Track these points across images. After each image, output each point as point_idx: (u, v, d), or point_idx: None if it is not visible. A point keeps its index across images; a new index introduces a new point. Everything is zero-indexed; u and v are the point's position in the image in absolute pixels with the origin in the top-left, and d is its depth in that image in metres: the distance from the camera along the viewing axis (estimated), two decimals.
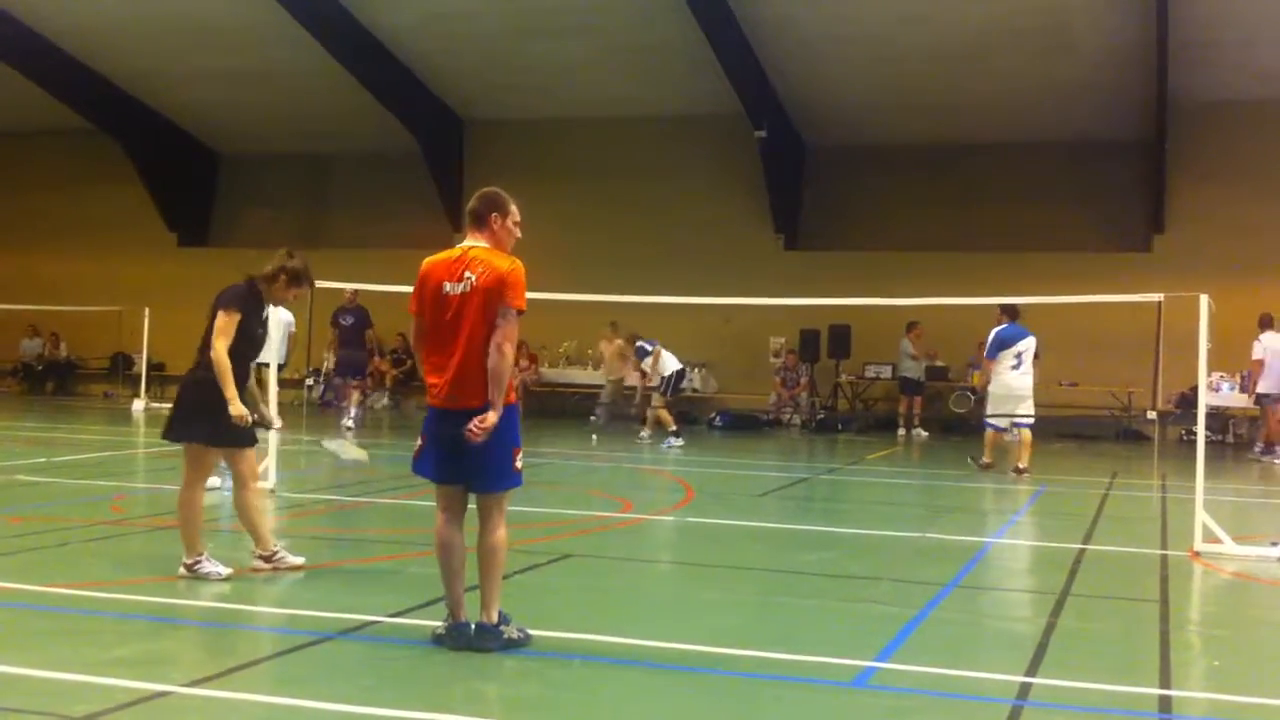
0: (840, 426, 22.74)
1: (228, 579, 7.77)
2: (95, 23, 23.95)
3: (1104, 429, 21.74)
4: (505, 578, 6.91)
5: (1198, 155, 22.26)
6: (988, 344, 15.44)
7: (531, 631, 6.46)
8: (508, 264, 6.23)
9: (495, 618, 6.28)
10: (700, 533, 10.60)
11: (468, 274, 6.19)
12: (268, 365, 10.85)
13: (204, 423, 7.86)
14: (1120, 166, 23.20)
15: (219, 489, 11.60)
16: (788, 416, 23.62)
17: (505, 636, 6.28)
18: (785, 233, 24.64)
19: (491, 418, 6.07)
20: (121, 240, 27.36)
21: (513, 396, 6.25)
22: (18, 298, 25.82)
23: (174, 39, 23.98)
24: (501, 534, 6.31)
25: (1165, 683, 6.11)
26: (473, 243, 6.34)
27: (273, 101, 26.01)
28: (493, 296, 6.13)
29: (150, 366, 24.46)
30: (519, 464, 6.34)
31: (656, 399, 19.39)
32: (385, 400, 25.94)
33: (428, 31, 23.37)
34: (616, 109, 24.92)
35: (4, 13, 23.59)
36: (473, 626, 6.26)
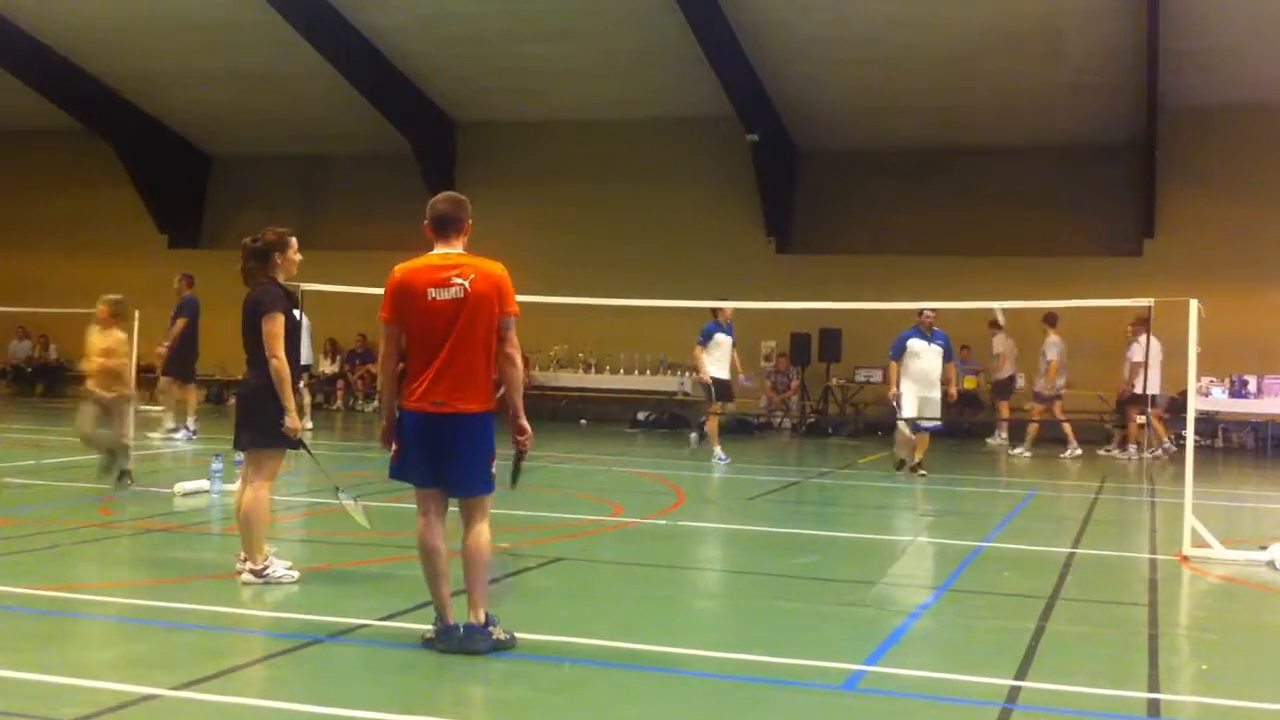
0: (831, 430, 22.76)
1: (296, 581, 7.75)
2: (86, 24, 23.92)
3: (1094, 433, 21.75)
4: (495, 581, 6.93)
5: (1188, 159, 22.31)
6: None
7: (522, 635, 6.45)
8: (499, 269, 6.28)
9: (483, 618, 6.27)
10: (691, 536, 10.60)
11: (458, 279, 6.17)
12: (307, 369, 10.77)
13: (249, 430, 7.78)
14: (1111, 170, 23.24)
15: (207, 492, 11.62)
16: (778, 420, 23.62)
17: (494, 637, 6.26)
18: (777, 236, 24.66)
19: (524, 422, 6.31)
20: (112, 242, 27.31)
21: (492, 404, 6.27)
22: (7, 299, 25.67)
23: (166, 40, 23.96)
24: (485, 535, 6.31)
25: (1154, 687, 6.12)
26: (448, 249, 6.32)
27: (265, 103, 25.99)
28: (488, 302, 6.17)
29: (140, 369, 24.36)
30: (493, 470, 6.31)
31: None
32: (376, 403, 25.88)
33: (420, 33, 23.37)
34: (608, 112, 24.93)
35: None
36: (461, 628, 6.25)
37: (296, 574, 7.80)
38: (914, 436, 15.20)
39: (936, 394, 15.23)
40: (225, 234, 27.60)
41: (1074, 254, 22.74)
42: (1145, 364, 16.73)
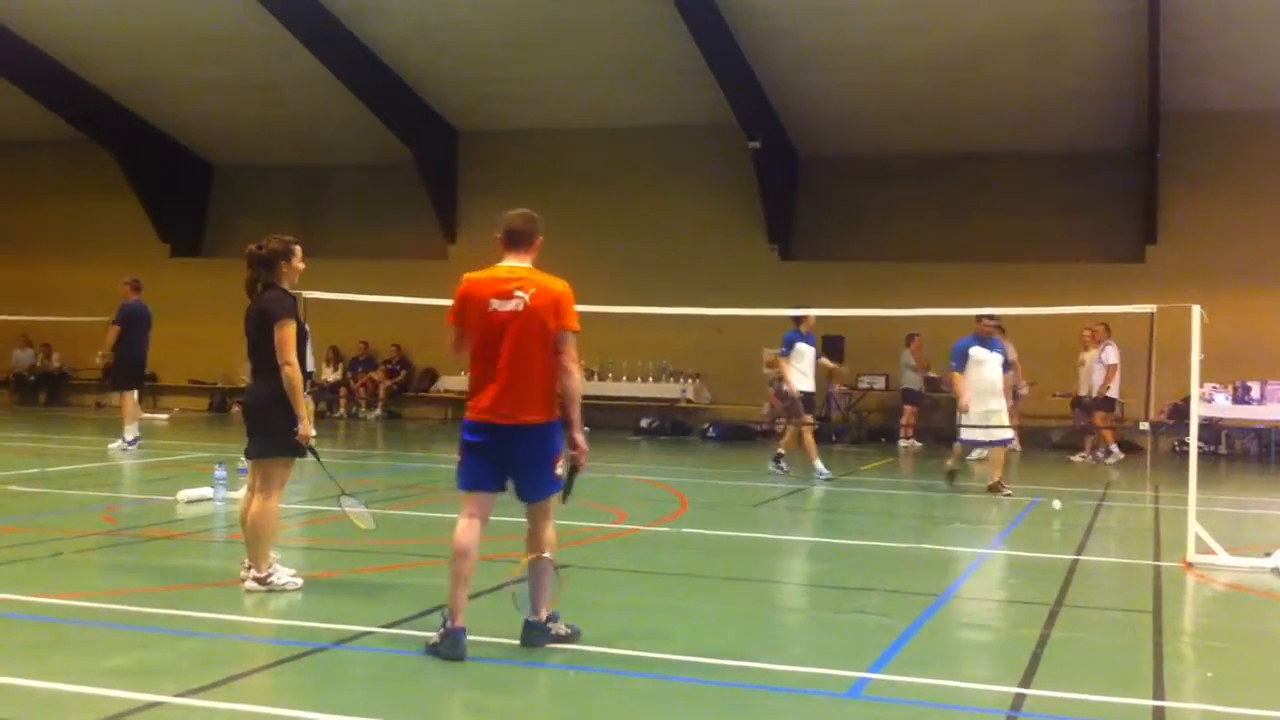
0: (834, 437, 22.73)
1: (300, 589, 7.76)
2: (88, 34, 23.96)
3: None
4: (498, 588, 6.94)
5: (1190, 165, 22.29)
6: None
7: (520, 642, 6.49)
8: (561, 285, 6.48)
9: (544, 615, 6.50)
10: (694, 544, 10.59)
11: (519, 293, 6.38)
12: (309, 376, 10.74)
13: (259, 437, 7.77)
14: (1113, 177, 23.23)
15: (210, 499, 11.61)
16: (781, 427, 23.59)
17: (553, 633, 6.49)
18: (779, 243, 24.66)
19: (579, 436, 6.44)
20: (115, 251, 27.27)
21: (555, 413, 6.47)
22: (10, 308, 25.78)
23: (168, 50, 24.00)
24: (553, 535, 6.58)
25: (1159, 694, 6.11)
26: (517, 262, 6.53)
27: (266, 113, 26.01)
28: (547, 316, 6.37)
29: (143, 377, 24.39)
30: (559, 470, 6.54)
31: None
32: (378, 411, 25.89)
33: (422, 42, 23.39)
34: (610, 120, 24.94)
35: None
36: (529, 626, 6.47)
37: (300, 581, 7.80)
38: (984, 451, 14.55)
39: (1002, 404, 14.66)
40: (227, 243, 27.61)
41: (1076, 260, 22.72)
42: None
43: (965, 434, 14.80)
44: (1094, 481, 16.71)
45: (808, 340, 15.89)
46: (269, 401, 7.68)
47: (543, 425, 6.44)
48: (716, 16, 21.10)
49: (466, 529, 6.45)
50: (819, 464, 15.72)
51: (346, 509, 8.39)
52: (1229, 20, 20.04)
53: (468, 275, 6.57)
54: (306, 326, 8.09)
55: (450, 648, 6.23)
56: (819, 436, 17.00)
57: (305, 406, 7.81)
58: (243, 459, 8.35)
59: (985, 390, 14.41)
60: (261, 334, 7.70)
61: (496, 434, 6.42)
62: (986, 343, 14.51)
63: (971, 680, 6.22)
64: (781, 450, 16.06)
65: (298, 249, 7.97)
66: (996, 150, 23.51)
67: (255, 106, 25.82)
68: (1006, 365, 14.91)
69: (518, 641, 6.52)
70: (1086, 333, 19.88)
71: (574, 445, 6.47)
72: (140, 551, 9.56)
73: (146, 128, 27.35)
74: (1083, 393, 20.10)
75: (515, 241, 6.58)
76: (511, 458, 6.44)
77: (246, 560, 7.78)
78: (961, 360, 14.44)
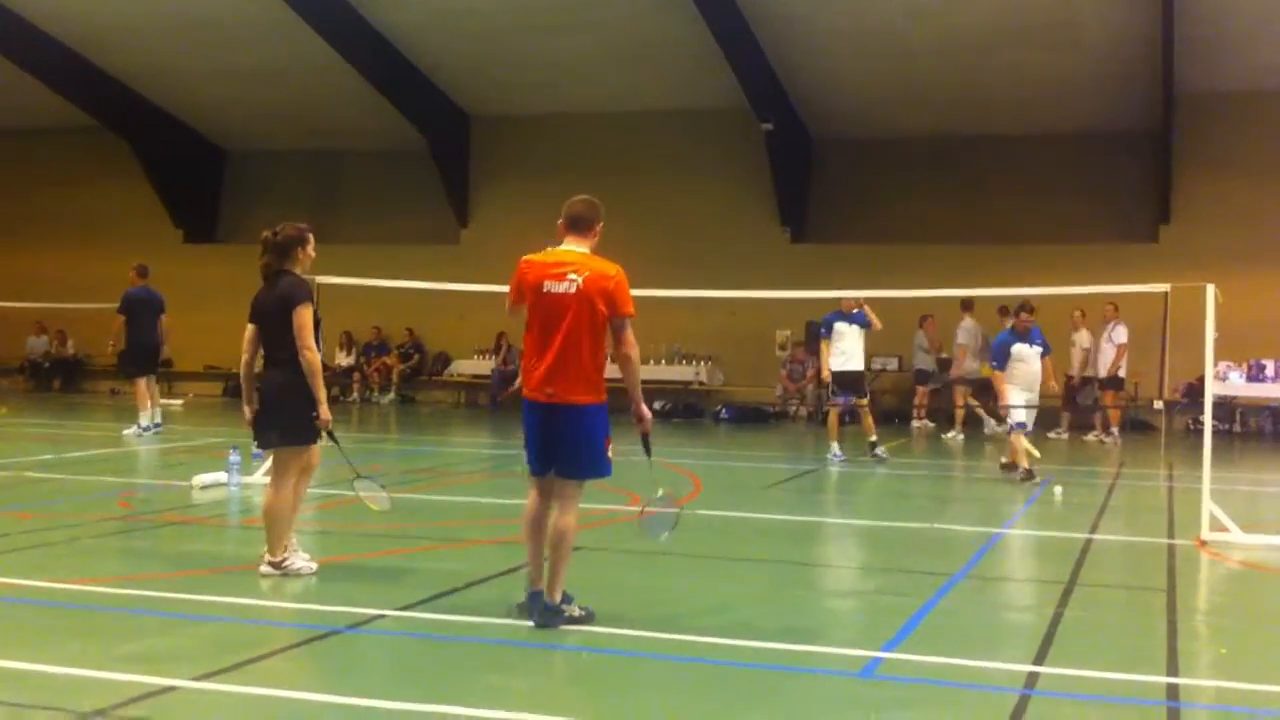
0: (847, 419, 22.71)
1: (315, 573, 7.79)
2: (102, 20, 23.98)
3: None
4: (514, 570, 6.96)
5: (1203, 146, 22.22)
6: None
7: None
8: (614, 270, 6.65)
9: (559, 598, 6.57)
10: (708, 525, 10.60)
11: (572, 275, 6.54)
12: None
13: (276, 428, 7.78)
14: (1127, 158, 23.15)
15: (225, 484, 11.65)
16: (794, 409, 23.62)
17: (567, 615, 6.56)
18: (792, 225, 24.62)
19: (643, 409, 6.73)
20: (128, 237, 27.31)
21: (603, 396, 6.66)
22: (24, 295, 25.85)
23: (180, 36, 24.01)
24: (572, 519, 6.64)
25: (1172, 671, 6.11)
26: (573, 246, 6.70)
27: (280, 98, 26.03)
28: (597, 300, 6.52)
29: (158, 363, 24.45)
30: (610, 454, 6.71)
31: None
32: (392, 395, 25.94)
33: (434, 28, 23.37)
34: (622, 104, 24.90)
35: (9, 11, 23.63)
36: (542, 601, 6.55)
37: (315, 566, 7.83)
38: (1027, 445, 14.28)
39: (1036, 396, 14.50)
40: (240, 229, 27.67)
41: (1090, 241, 22.64)
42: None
43: (1015, 420, 14.26)
44: (1108, 461, 16.68)
45: (850, 320, 15.71)
46: (288, 389, 7.69)
47: (586, 407, 6.58)
48: (729, 1, 21.03)
49: (532, 504, 6.75)
50: (835, 446, 15.68)
51: (360, 492, 8.41)
52: (1241, 2, 19.93)
53: (525, 257, 6.73)
54: (319, 313, 8.10)
55: (529, 607, 6.59)
56: (877, 416, 17.00)
57: (324, 390, 7.82)
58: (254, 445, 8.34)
59: (1027, 385, 14.22)
60: (281, 321, 7.70)
61: (543, 412, 6.59)
62: (1025, 337, 14.24)
63: (985, 659, 6.23)
64: (873, 438, 15.70)
65: (311, 236, 7.99)
66: (1010, 133, 23.43)
67: (268, 93, 25.84)
68: (1046, 350, 14.54)
69: (533, 624, 6.55)
70: (1077, 314, 19.96)
71: (639, 418, 6.75)
72: (155, 537, 9.61)
73: (160, 114, 27.40)
74: (1072, 373, 20.14)
75: (575, 226, 6.76)
76: (555, 436, 6.59)
77: (265, 553, 7.76)
78: (1003, 359, 14.21)
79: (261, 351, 7.89)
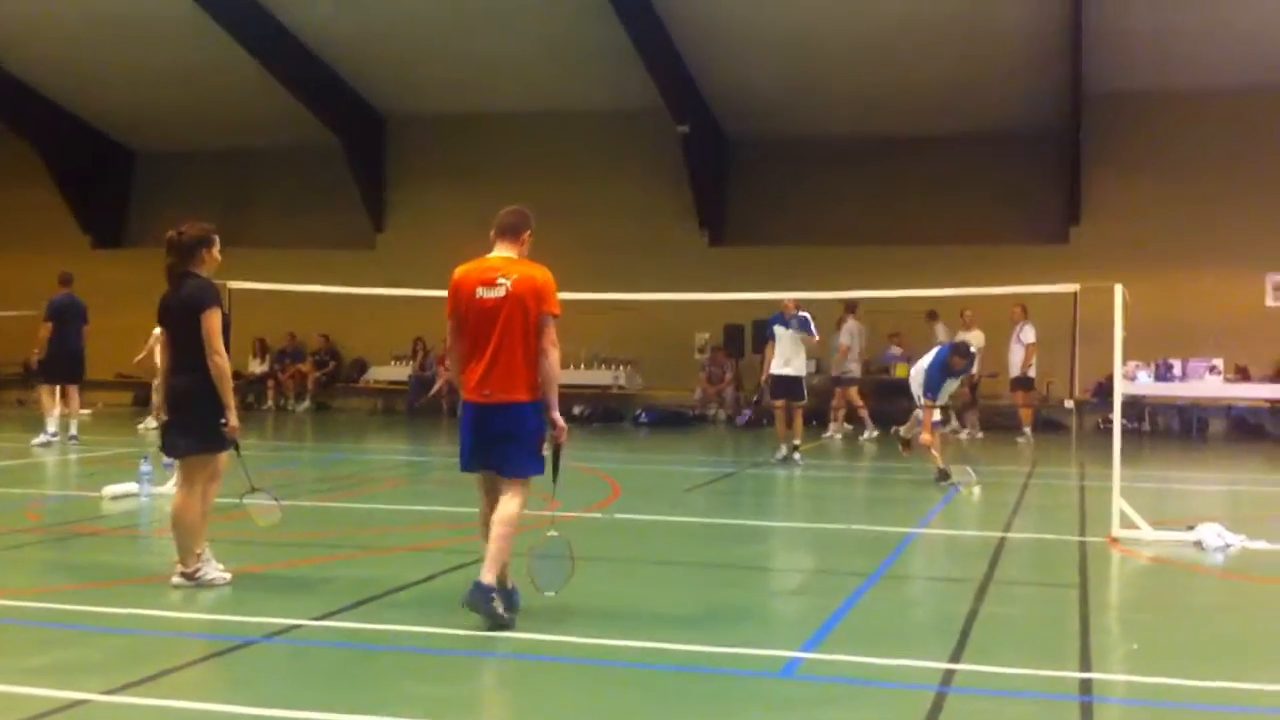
0: (766, 421, 22.82)
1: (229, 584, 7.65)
2: (4, 20, 23.44)
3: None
4: (432, 578, 6.91)
5: (1113, 145, 22.61)
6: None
7: (456, 631, 6.51)
8: (542, 273, 6.92)
9: (493, 581, 6.63)
10: (627, 529, 10.60)
11: (501, 280, 6.82)
12: None
13: (186, 435, 7.60)
14: (1037, 158, 23.51)
15: (136, 495, 11.44)
16: (713, 412, 23.70)
17: (493, 605, 6.57)
18: (710, 228, 24.72)
19: (556, 416, 6.83)
20: (33, 242, 26.76)
21: (538, 394, 6.83)
22: None
23: (86, 35, 23.54)
24: (515, 509, 6.83)
25: (1085, 666, 6.21)
26: (503, 252, 6.97)
27: (189, 99, 25.59)
28: (528, 300, 6.79)
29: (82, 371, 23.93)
30: (545, 451, 6.93)
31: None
32: (307, 403, 25.62)
33: (345, 27, 23.14)
34: (538, 104, 24.84)
35: None
36: (479, 587, 6.60)
37: (229, 576, 7.70)
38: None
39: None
40: (150, 232, 27.13)
41: (1002, 242, 22.96)
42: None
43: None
44: (1020, 460, 16.93)
45: (786, 324, 15.66)
46: (196, 396, 7.53)
47: (522, 404, 6.80)
48: (643, 1, 21.07)
49: (486, 506, 6.97)
50: (784, 448, 15.60)
51: (247, 503, 8.23)
52: (1152, 1, 20.32)
53: (459, 267, 6.98)
54: (228, 315, 7.97)
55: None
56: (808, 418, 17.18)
57: (232, 396, 7.68)
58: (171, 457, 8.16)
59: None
60: (185, 325, 7.54)
61: (482, 413, 6.83)
62: (956, 373, 14.08)
63: (903, 657, 6.28)
64: (796, 441, 15.64)
65: (216, 238, 7.83)
66: (925, 133, 23.68)
67: (178, 93, 25.40)
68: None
69: (457, 631, 6.51)
70: (968, 313, 20.42)
71: (554, 425, 6.84)
72: (65, 548, 9.41)
73: (65, 115, 26.84)
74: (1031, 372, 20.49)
75: (503, 233, 7.04)
76: (493, 435, 6.81)
77: (178, 564, 7.61)
78: (937, 392, 13.90)
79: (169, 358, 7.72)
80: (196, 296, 7.56)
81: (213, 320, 7.51)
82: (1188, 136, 22.53)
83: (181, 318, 7.57)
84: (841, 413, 20.45)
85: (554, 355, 6.83)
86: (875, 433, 19.81)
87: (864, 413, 20.27)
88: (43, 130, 26.69)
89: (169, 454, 7.92)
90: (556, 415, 6.85)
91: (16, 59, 25.21)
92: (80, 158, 27.35)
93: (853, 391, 20.45)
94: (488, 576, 6.63)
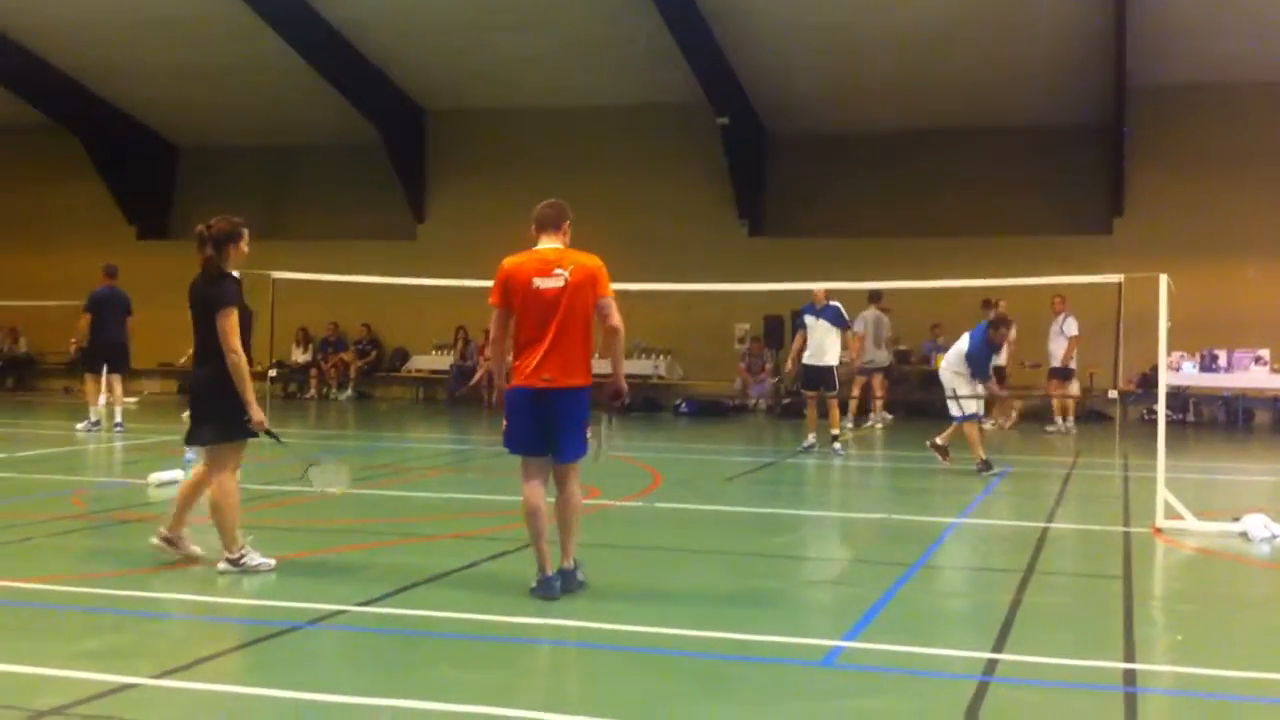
0: (804, 410, 22.80)
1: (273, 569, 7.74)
2: (53, 18, 23.64)
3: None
4: (474, 565, 6.95)
5: (1156, 139, 22.42)
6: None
7: (499, 618, 6.55)
8: (593, 260, 7.22)
9: (574, 564, 7.24)
10: (668, 518, 10.62)
11: (559, 270, 7.09)
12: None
13: (210, 424, 7.72)
14: (1080, 151, 23.33)
15: (181, 481, 11.54)
16: (753, 402, 23.69)
17: (579, 579, 7.25)
18: (750, 219, 24.67)
19: (623, 383, 7.29)
20: (81, 235, 27.06)
21: (591, 379, 7.21)
22: None
23: (133, 33, 23.72)
24: (578, 495, 7.35)
25: (1129, 657, 6.18)
26: (551, 243, 7.24)
27: (233, 95, 25.79)
28: (586, 289, 7.10)
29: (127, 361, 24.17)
30: (589, 434, 7.33)
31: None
32: (349, 392, 25.79)
33: (388, 22, 23.23)
34: (579, 99, 24.86)
35: None
36: (558, 576, 7.14)
37: (273, 562, 7.78)
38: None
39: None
40: (194, 225, 27.08)
41: (1045, 234, 22.80)
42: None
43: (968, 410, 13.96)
44: (1064, 451, 16.82)
45: (818, 314, 15.60)
46: (216, 387, 7.66)
47: (582, 389, 7.17)
48: None
49: (530, 491, 7.22)
50: (811, 437, 15.68)
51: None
52: None
53: (507, 259, 7.21)
54: (251, 308, 8.05)
55: (545, 591, 7.03)
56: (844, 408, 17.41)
57: (252, 391, 7.75)
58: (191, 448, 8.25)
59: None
60: (206, 319, 7.67)
61: (542, 398, 7.08)
62: (999, 348, 14.26)
63: (945, 646, 6.27)
64: (835, 431, 15.76)
65: (245, 232, 7.94)
66: (965, 126, 23.53)
67: (221, 89, 25.60)
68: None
69: (499, 618, 6.54)
70: (1056, 299, 20.12)
71: (618, 393, 7.31)
72: (111, 535, 9.53)
73: (112, 112, 27.10)
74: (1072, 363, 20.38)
75: (544, 226, 7.30)
76: (553, 420, 7.11)
77: (224, 550, 7.70)
78: (984, 370, 13.92)
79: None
80: (214, 295, 7.69)
81: (227, 320, 7.61)
82: (1229, 128, 22.31)
83: (203, 312, 7.72)
84: (880, 402, 20.40)
85: (622, 330, 7.17)
86: (884, 421, 19.88)
87: (879, 402, 20.20)
88: (91, 126, 26.98)
89: (193, 443, 8.03)
90: (623, 383, 7.28)
91: (65, 57, 25.45)
92: (127, 153, 27.61)
93: (876, 380, 20.38)
94: (569, 562, 7.19)
